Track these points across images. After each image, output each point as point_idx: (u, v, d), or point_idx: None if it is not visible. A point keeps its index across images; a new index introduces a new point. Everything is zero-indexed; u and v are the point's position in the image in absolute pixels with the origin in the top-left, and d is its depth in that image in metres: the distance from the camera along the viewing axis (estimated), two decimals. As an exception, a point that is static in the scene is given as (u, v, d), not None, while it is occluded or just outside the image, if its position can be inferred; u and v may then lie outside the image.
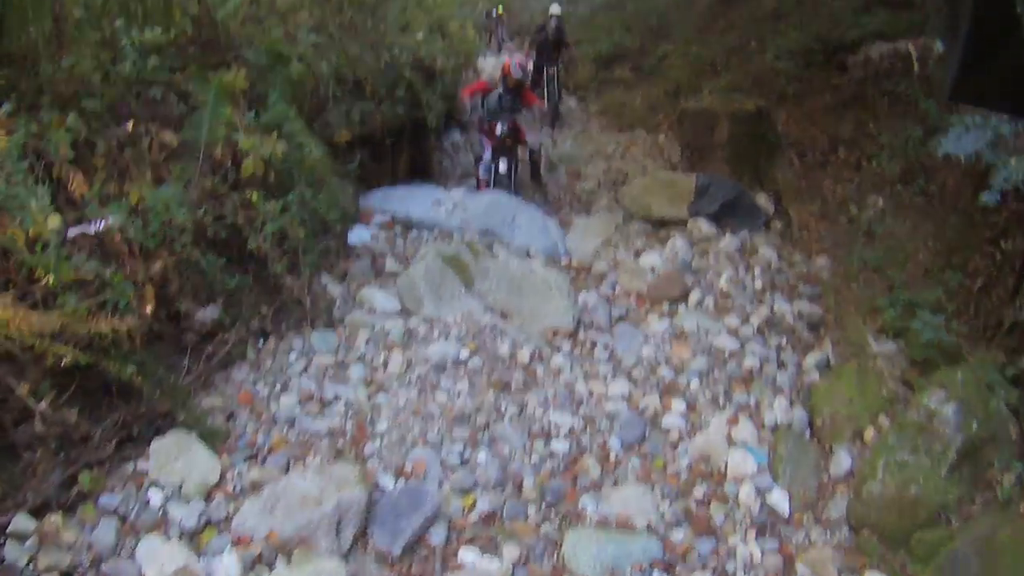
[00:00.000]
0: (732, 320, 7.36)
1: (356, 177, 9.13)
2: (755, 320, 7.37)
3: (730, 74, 13.58)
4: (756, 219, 9.49)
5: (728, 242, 8.82)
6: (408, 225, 8.96)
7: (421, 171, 11.71)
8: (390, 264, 7.98)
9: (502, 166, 10.40)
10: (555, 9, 16.71)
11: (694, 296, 7.68)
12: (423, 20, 12.38)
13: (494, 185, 10.31)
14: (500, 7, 26.11)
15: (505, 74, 10.67)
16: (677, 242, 8.61)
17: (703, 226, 9.14)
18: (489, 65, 20.90)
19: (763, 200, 9.93)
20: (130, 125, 5.95)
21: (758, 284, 8.04)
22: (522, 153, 11.03)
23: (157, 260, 5.54)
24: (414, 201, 9.26)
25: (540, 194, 11.39)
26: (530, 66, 14.90)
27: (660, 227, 9.54)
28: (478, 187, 10.70)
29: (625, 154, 12.89)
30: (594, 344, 6.89)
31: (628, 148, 13.15)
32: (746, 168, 10.43)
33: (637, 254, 8.72)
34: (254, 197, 6.32)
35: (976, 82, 1.59)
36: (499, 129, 10.41)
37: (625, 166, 11.59)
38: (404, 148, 10.94)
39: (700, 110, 10.63)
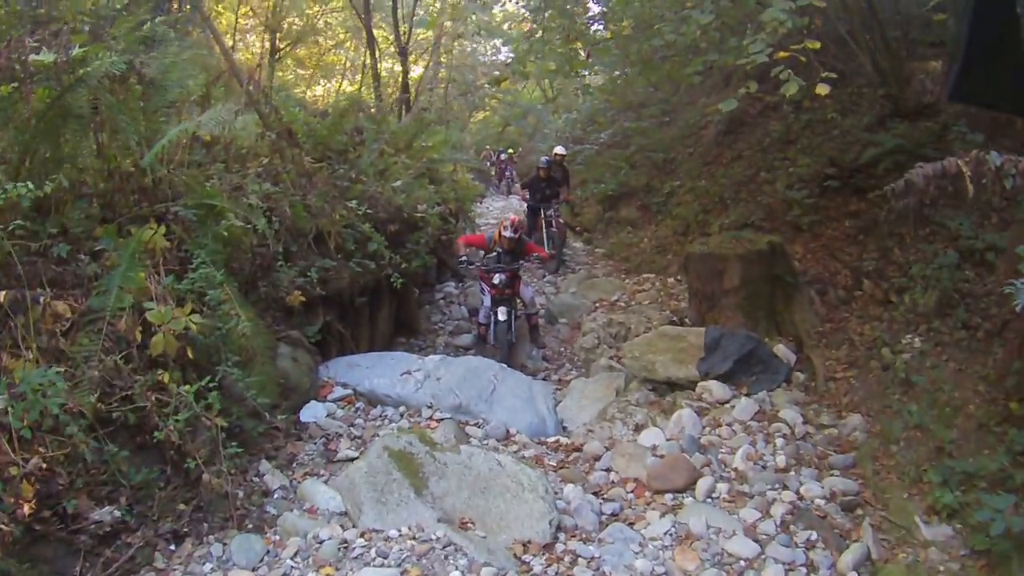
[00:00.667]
0: (750, 512, 6.02)
1: (317, 343, 8.25)
2: (778, 510, 6.01)
3: (740, 208, 12.57)
4: (775, 373, 8.23)
5: (743, 408, 7.54)
6: (372, 400, 7.94)
7: (408, 328, 10.80)
8: (344, 449, 6.93)
9: (501, 315, 9.90)
10: (559, 149, 16.06)
11: (703, 484, 6.36)
12: (405, 165, 11.62)
13: (494, 334, 9.95)
14: (510, 149, 25.69)
15: (499, 232, 10.33)
16: (684, 414, 7.34)
17: (714, 389, 7.89)
18: (497, 207, 20.19)
19: (782, 349, 8.68)
20: (1, 296, 5.10)
21: (780, 459, 6.71)
22: (520, 304, 10.41)
23: (36, 452, 4.66)
24: (381, 371, 8.24)
25: (537, 352, 10.51)
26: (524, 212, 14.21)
27: (667, 390, 8.34)
28: (479, 334, 10.55)
29: (631, 302, 11.78)
30: (575, 559, 5.51)
31: (634, 295, 12.05)
32: (761, 314, 9.23)
33: (637, 429, 7.46)
34: (167, 378, 5.48)
35: (977, 82, 1.59)
36: (497, 279, 10.00)
37: (629, 318, 10.42)
38: (384, 306, 10.04)
39: (706, 254, 9.49)
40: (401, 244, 10.37)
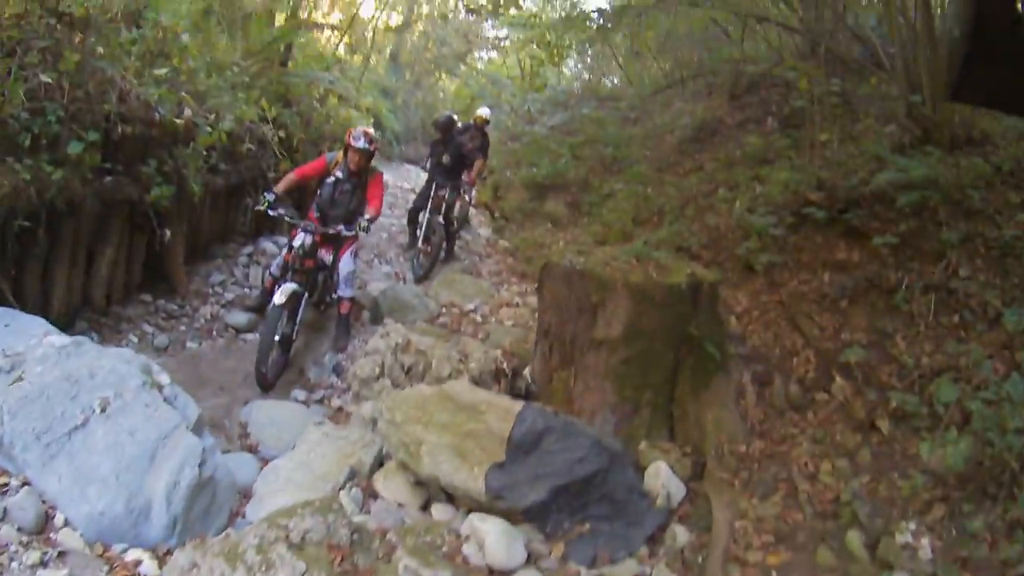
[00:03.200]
0: None
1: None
2: None
3: (678, 225, 8.03)
4: (632, 526, 3.80)
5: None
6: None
7: (166, 283, 7.06)
8: None
9: (279, 296, 5.81)
10: (483, 111, 11.34)
11: None
12: (239, 68, 7.30)
13: (267, 322, 5.84)
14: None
15: (346, 146, 6.56)
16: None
17: (491, 543, 3.40)
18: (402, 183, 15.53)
19: (664, 472, 4.18)
20: None
21: None
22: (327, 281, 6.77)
23: None
24: None
25: (332, 357, 6.52)
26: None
27: (441, 495, 3.93)
28: (263, 288, 6.82)
29: (490, 317, 7.28)
30: None
31: (499, 308, 7.54)
32: (648, 394, 4.67)
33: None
34: None
35: (978, 82, 1.40)
36: (299, 240, 6.22)
37: (435, 346, 5.63)
38: (113, 244, 6.19)
39: (577, 274, 4.89)
40: (141, 159, 6.04)
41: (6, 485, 3.36)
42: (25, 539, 3.17)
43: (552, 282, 5.01)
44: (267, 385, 5.73)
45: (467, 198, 10.90)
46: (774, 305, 5.84)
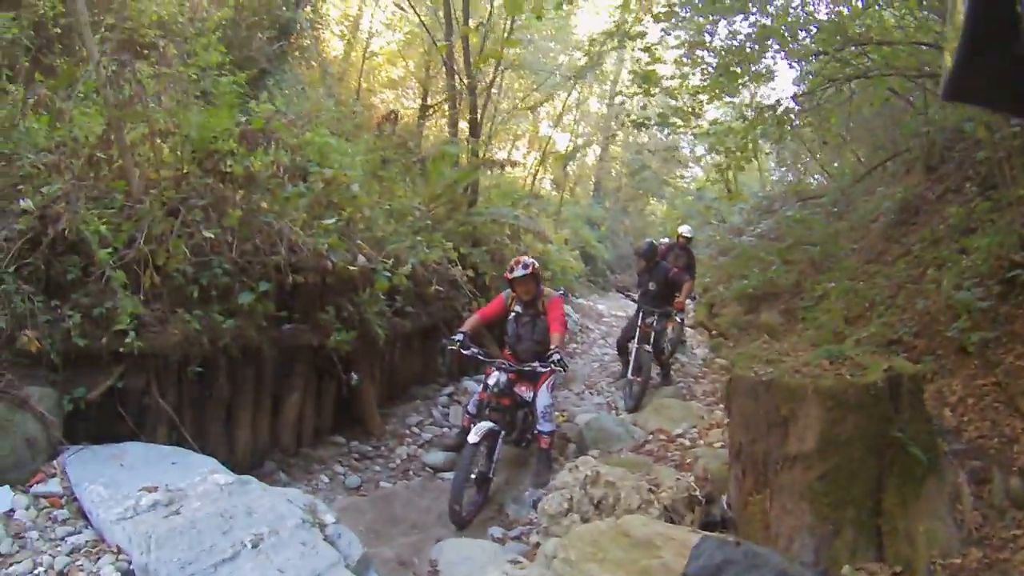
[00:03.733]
0: None
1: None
2: None
3: (888, 316, 7.55)
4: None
5: None
6: (83, 511, 4.31)
7: (360, 425, 7.36)
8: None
9: (473, 435, 5.82)
10: (684, 230, 11.36)
11: None
12: (404, 213, 7.82)
13: (462, 460, 5.86)
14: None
15: (510, 282, 6.73)
16: None
17: None
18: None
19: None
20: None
21: None
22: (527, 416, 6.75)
23: None
24: (126, 476, 4.48)
25: (531, 493, 6.32)
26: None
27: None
28: (462, 427, 6.86)
29: (698, 440, 7.06)
30: None
31: (709, 430, 7.29)
32: (851, 511, 4.25)
33: None
34: None
35: (973, 80, 1.32)
36: (494, 379, 6.31)
37: (624, 479, 5.37)
38: (296, 389, 6.62)
39: (763, 383, 4.65)
40: (318, 306, 6.55)
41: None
42: None
43: (739, 397, 4.81)
44: (462, 523, 5.72)
45: (679, 320, 10.77)
46: (991, 388, 5.29)
